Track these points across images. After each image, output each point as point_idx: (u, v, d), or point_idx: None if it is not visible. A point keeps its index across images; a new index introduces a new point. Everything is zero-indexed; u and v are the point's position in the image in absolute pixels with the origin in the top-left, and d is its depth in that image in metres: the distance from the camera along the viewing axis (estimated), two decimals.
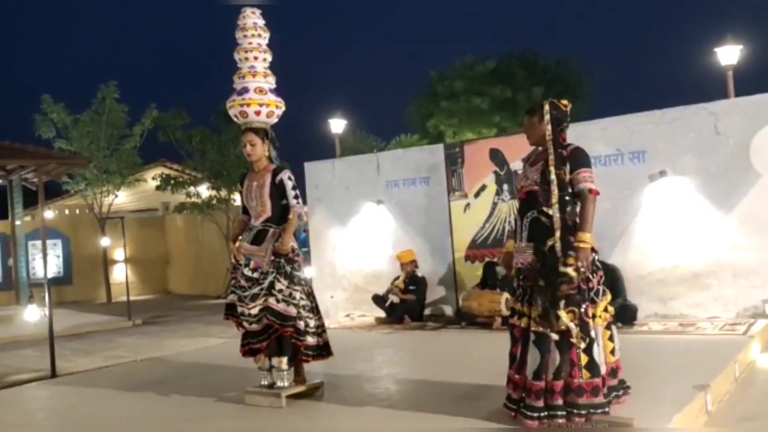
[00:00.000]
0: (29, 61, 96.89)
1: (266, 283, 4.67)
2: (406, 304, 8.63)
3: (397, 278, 8.89)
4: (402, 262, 8.84)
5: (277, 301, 4.61)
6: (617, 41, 70.52)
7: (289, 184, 4.78)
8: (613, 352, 3.89)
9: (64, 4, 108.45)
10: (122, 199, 19.46)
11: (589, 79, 22.82)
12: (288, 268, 4.69)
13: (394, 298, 8.68)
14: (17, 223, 15.15)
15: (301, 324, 4.70)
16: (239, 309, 4.78)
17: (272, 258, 4.70)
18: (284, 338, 4.72)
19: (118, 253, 17.36)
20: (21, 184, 15.01)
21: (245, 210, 5.03)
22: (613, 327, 3.93)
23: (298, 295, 4.70)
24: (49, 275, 8.59)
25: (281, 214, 4.79)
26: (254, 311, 4.69)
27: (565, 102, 3.93)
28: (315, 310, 4.89)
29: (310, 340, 4.75)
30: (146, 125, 17.54)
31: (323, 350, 4.90)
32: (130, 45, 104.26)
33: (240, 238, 4.99)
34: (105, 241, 16.24)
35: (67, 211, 20.50)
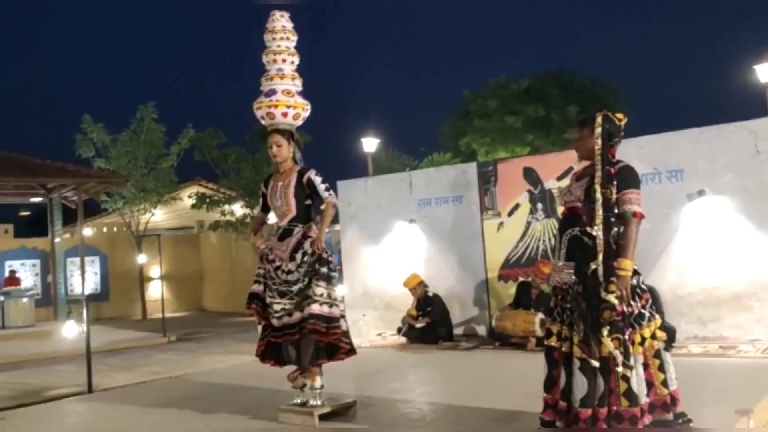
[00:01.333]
0: (70, 82, 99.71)
1: (301, 286, 4.66)
2: (425, 327, 8.51)
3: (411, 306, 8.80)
4: (410, 288, 8.73)
5: (320, 305, 4.61)
6: (653, 59, 69.89)
7: (318, 180, 4.83)
8: (665, 383, 3.60)
9: (105, 27, 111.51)
10: (158, 217, 19.80)
11: (626, 98, 22.59)
12: (324, 270, 4.70)
13: (408, 321, 8.60)
14: (57, 240, 15.49)
15: (344, 324, 4.72)
16: (268, 300, 4.79)
17: (303, 259, 4.70)
18: (322, 343, 4.71)
19: (154, 271, 17.63)
20: (61, 202, 15.38)
21: (264, 209, 5.11)
22: (666, 354, 3.65)
23: (337, 295, 4.73)
24: (87, 292, 8.75)
25: (305, 213, 4.85)
26: (287, 306, 4.69)
27: (620, 116, 3.72)
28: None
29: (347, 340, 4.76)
30: (183, 145, 17.87)
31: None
32: (168, 67, 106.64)
33: (265, 237, 5.04)
34: (141, 259, 16.51)
35: (105, 229, 20.92)
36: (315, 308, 4.60)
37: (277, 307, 4.73)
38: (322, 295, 4.64)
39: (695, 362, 6.36)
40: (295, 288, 4.70)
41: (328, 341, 4.68)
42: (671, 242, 7.47)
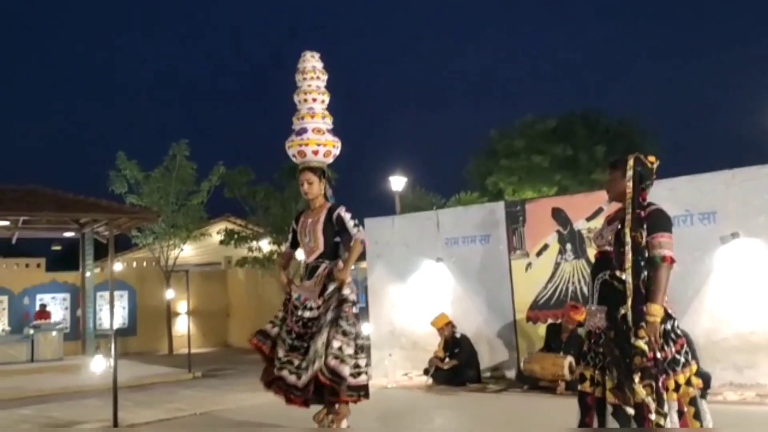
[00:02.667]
0: (105, 120, 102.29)
1: (319, 339, 4.62)
2: (452, 370, 8.41)
3: (438, 347, 8.68)
4: (437, 328, 8.64)
5: (335, 357, 4.58)
6: (685, 99, 69.58)
7: (347, 217, 4.84)
8: None
9: (141, 68, 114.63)
10: (187, 252, 20.00)
11: (654, 139, 22.46)
12: (344, 325, 4.67)
13: (435, 363, 8.50)
14: (87, 274, 15.70)
15: (350, 380, 4.65)
16: (280, 353, 4.73)
17: (327, 299, 4.68)
18: (326, 389, 4.66)
19: (181, 306, 17.72)
20: (93, 237, 15.63)
21: (293, 245, 5.14)
22: (701, 402, 3.57)
23: (351, 350, 4.67)
24: (115, 326, 8.83)
25: (333, 250, 4.84)
26: (294, 362, 4.64)
27: (652, 159, 3.72)
28: (362, 349, 4.83)
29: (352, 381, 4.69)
30: (213, 181, 18.13)
31: (362, 391, 4.80)
32: (200, 105, 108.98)
33: (291, 274, 5.06)
34: (169, 294, 16.63)
35: (134, 264, 21.16)
36: (332, 363, 4.54)
37: (283, 358, 4.68)
38: (340, 348, 4.60)
39: (732, 410, 6.17)
40: (308, 334, 4.65)
41: (334, 399, 4.64)
42: (704, 286, 7.32)
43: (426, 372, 8.67)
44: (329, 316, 4.64)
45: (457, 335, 8.63)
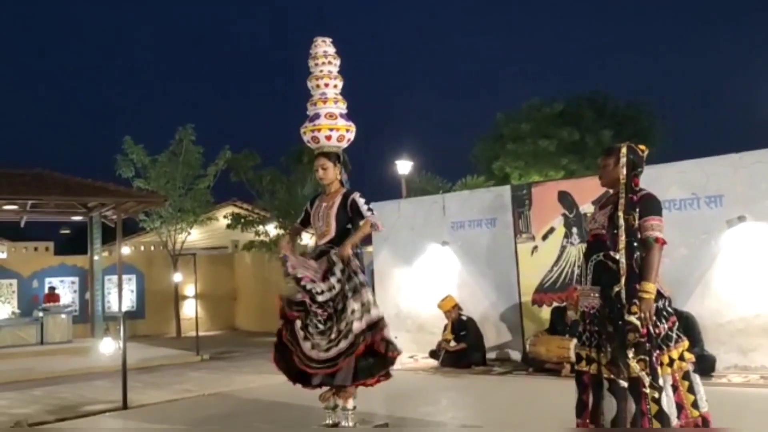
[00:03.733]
0: (112, 105, 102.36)
1: (341, 319, 4.61)
2: (459, 353, 8.46)
3: (444, 329, 8.74)
4: (444, 311, 8.70)
5: (359, 320, 4.57)
6: (691, 83, 69.05)
7: (361, 201, 4.82)
8: (695, 404, 3.62)
9: (148, 52, 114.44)
10: (194, 236, 20.08)
11: (662, 122, 22.34)
12: (355, 282, 4.67)
13: (445, 347, 8.55)
14: (95, 258, 15.81)
15: (387, 330, 4.69)
16: (306, 336, 4.68)
17: (334, 279, 4.70)
18: (368, 357, 4.66)
19: (189, 289, 17.84)
20: (101, 221, 15.71)
21: (303, 222, 5.14)
22: (695, 376, 3.69)
23: (370, 298, 4.68)
24: (123, 309, 8.90)
25: (344, 235, 4.83)
26: (323, 343, 4.62)
27: (642, 147, 3.90)
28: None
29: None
30: (219, 166, 18.15)
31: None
32: (206, 90, 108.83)
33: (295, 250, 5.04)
34: (177, 277, 16.74)
35: (142, 248, 21.27)
36: (356, 327, 4.54)
37: (311, 341, 4.64)
38: (356, 310, 4.60)
39: (736, 392, 6.21)
40: (329, 319, 4.63)
41: (377, 348, 4.63)
42: (710, 269, 7.32)
43: (434, 355, 8.73)
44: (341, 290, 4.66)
45: (464, 318, 8.67)
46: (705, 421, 3.61)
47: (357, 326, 4.56)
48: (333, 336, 4.58)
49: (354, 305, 4.61)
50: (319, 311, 4.68)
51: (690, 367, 3.68)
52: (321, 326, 4.67)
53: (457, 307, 8.70)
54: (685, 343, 3.71)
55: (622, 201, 3.70)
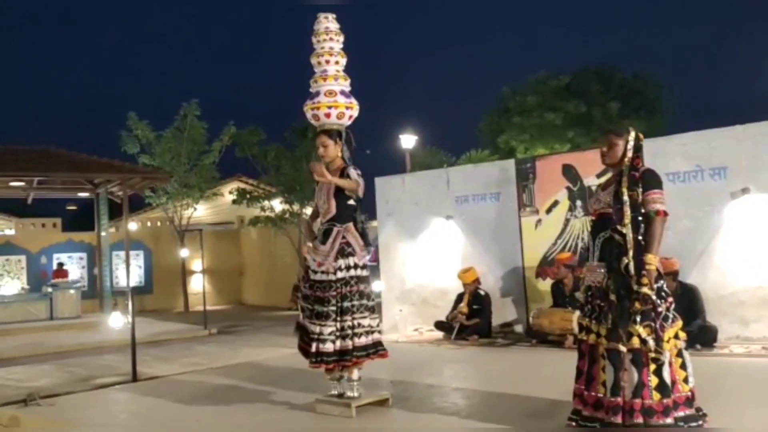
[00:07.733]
0: (116, 80, 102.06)
1: (335, 308, 4.75)
2: (472, 327, 8.52)
3: (459, 301, 8.75)
4: (465, 283, 8.71)
5: (367, 335, 4.80)
6: (697, 55, 68.25)
7: (354, 173, 4.87)
8: (686, 380, 3.76)
9: (150, 28, 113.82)
10: (200, 212, 20.18)
11: (668, 94, 22.15)
12: (368, 302, 4.86)
13: (461, 320, 8.59)
14: (102, 234, 15.92)
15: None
16: (309, 328, 4.84)
17: (345, 269, 4.78)
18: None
19: (196, 264, 17.97)
20: (107, 197, 15.80)
21: (315, 214, 5.17)
22: (685, 353, 3.83)
23: (369, 320, 4.87)
24: (131, 285, 8.99)
25: (345, 213, 4.87)
26: (326, 331, 4.73)
27: (641, 136, 4.05)
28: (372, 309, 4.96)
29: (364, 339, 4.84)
30: (224, 141, 18.15)
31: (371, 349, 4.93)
32: (210, 65, 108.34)
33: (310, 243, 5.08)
34: (184, 253, 16.86)
35: (149, 224, 21.40)
36: (361, 342, 4.75)
37: (319, 330, 4.77)
38: (370, 326, 4.82)
39: (737, 363, 6.27)
40: (328, 306, 4.74)
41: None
42: (714, 241, 7.34)
43: (440, 327, 8.78)
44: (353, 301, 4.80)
45: (481, 293, 8.68)
46: (693, 395, 3.76)
47: (363, 341, 4.77)
48: (334, 327, 4.74)
49: (369, 321, 4.83)
50: (308, 291, 4.81)
51: (682, 345, 3.81)
52: (315, 307, 4.80)
53: (477, 280, 8.72)
54: (679, 323, 3.85)
55: (624, 178, 3.84)
